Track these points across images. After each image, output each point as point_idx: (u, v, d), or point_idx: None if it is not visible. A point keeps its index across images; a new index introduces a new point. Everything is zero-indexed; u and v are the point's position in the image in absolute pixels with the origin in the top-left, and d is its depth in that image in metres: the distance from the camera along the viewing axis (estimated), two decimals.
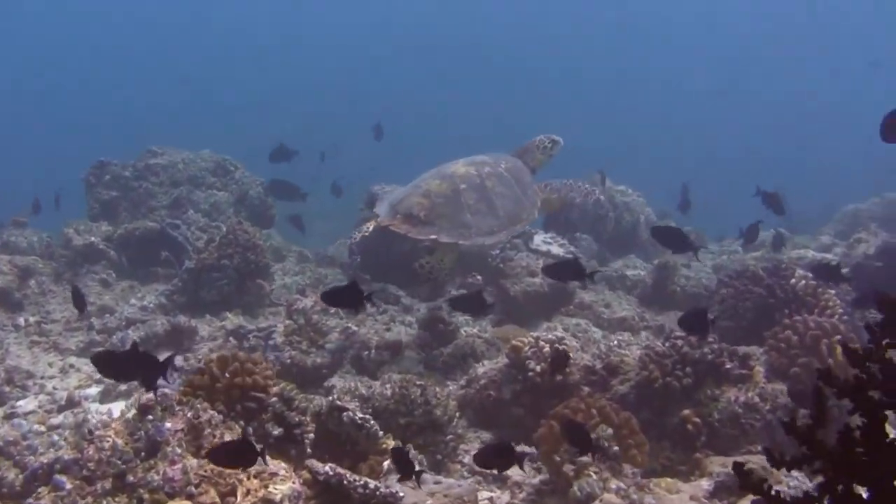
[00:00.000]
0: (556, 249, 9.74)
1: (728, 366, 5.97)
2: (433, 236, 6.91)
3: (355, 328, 8.42)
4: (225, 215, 11.80)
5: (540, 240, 9.81)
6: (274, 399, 5.25)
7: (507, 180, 7.35)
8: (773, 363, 6.21)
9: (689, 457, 5.66)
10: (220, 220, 11.45)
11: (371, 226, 7.77)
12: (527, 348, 6.40)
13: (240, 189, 12.59)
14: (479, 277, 10.15)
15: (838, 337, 6.07)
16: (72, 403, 7.12)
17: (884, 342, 2.11)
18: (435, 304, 8.81)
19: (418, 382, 6.04)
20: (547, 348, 6.32)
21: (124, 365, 4.40)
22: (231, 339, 8.28)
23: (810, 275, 7.43)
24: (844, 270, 7.15)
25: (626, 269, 11.03)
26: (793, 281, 7.34)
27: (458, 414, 6.19)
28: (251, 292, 9.49)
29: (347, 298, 5.68)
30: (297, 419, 5.24)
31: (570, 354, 6.27)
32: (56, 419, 6.76)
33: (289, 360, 7.37)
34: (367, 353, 7.81)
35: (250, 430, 5.03)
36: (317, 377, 7.52)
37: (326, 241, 13.37)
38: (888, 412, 2.01)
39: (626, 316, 8.91)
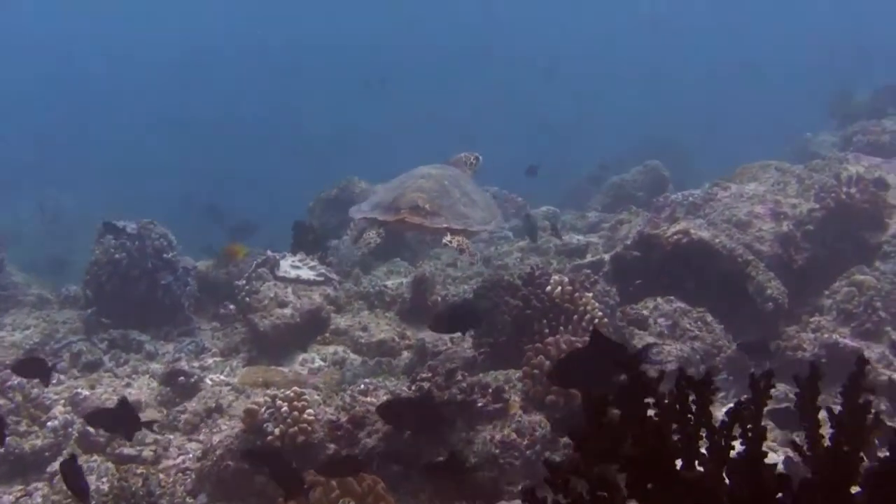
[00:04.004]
0: (307, 274, 9.26)
1: (480, 403, 5.75)
2: (445, 225, 6.89)
3: (86, 392, 7.71)
4: None
5: (287, 265, 9.30)
6: None
7: (470, 183, 7.69)
8: (529, 392, 6.02)
9: None
10: None
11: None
12: (263, 410, 5.93)
13: None
14: (231, 307, 9.63)
15: None
16: None
17: None
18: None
19: (138, 471, 5.47)
20: (285, 407, 5.86)
21: None
22: None
23: (566, 279, 7.34)
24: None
25: (389, 276, 10.77)
26: (549, 288, 7.21)
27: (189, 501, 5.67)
28: None
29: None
30: None
31: (311, 410, 5.87)
32: None
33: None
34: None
35: None
36: (39, 462, 6.75)
37: None
38: None
39: (384, 338, 8.62)
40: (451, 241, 6.99)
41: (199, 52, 54.94)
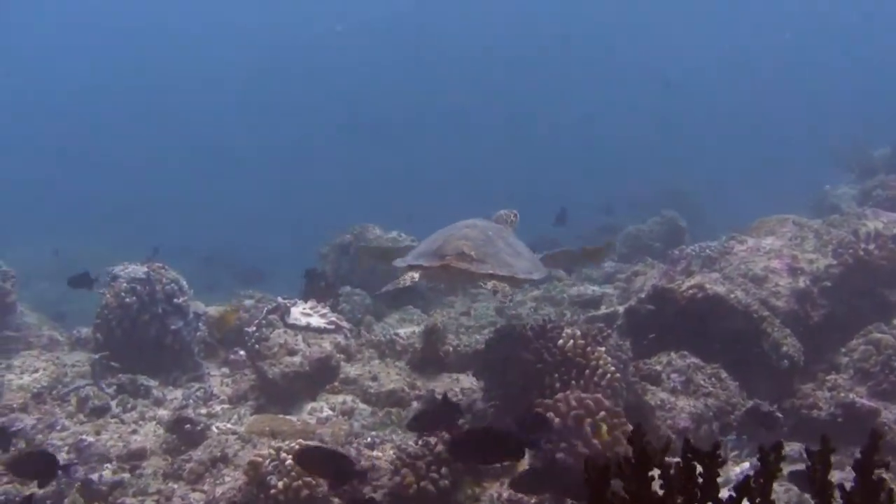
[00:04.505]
0: (317, 321, 9.21)
1: None
2: (491, 271, 6.83)
3: (91, 438, 7.68)
4: None
5: (298, 312, 9.25)
6: None
7: (512, 235, 7.72)
8: None
9: None
10: None
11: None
12: (267, 463, 5.87)
13: None
14: (241, 353, 9.60)
15: (602, 414, 5.87)
16: None
17: None
18: None
19: None
20: (290, 460, 5.80)
21: None
22: None
23: (578, 332, 7.27)
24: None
25: (401, 324, 10.75)
26: (560, 342, 7.13)
27: None
28: None
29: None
30: None
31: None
32: None
33: None
34: (99, 474, 7.03)
35: None
36: None
37: None
38: None
39: (394, 388, 8.54)
40: (487, 284, 7.03)
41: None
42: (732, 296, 8.16)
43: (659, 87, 46.04)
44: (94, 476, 7.00)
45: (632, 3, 55.57)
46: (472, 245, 6.97)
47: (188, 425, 7.75)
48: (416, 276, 7.10)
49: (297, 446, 5.91)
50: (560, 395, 6.14)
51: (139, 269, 9.69)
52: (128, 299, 9.44)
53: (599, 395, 6.15)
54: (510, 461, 5.74)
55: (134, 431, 8.12)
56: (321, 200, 36.51)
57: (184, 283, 9.96)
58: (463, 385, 8.59)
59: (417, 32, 57.21)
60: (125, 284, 9.51)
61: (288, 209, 37.02)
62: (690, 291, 8.16)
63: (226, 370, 9.87)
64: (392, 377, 8.79)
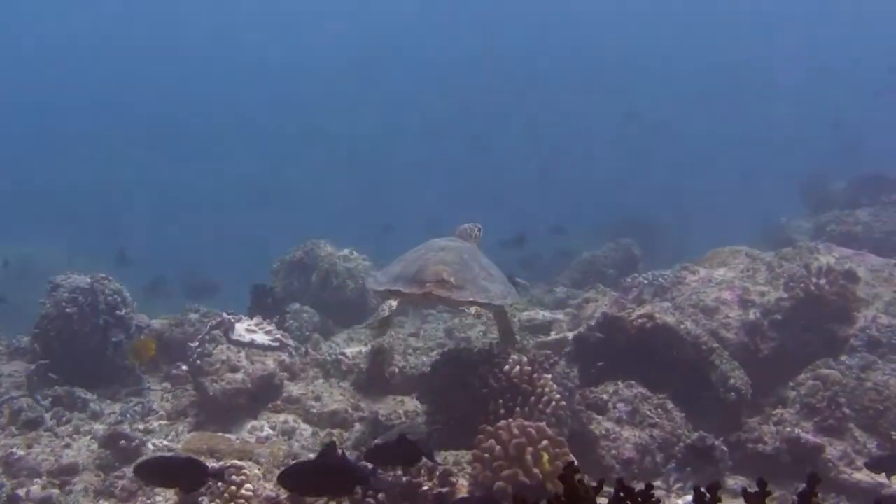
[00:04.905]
0: (262, 338, 9.06)
1: (426, 487, 5.56)
2: (471, 298, 6.88)
3: (21, 452, 7.48)
4: None
5: (243, 328, 9.09)
6: None
7: (482, 256, 7.71)
8: (478, 476, 5.83)
9: None
10: None
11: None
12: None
13: None
14: (184, 368, 9.42)
15: (545, 443, 5.79)
16: None
17: None
18: None
19: None
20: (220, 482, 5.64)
21: None
22: None
23: (525, 359, 7.20)
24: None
25: (349, 343, 10.66)
26: (507, 367, 7.06)
27: None
28: None
29: None
30: None
31: (250, 486, 5.66)
32: None
33: None
34: (27, 490, 6.84)
35: None
36: None
37: None
38: None
39: (337, 409, 8.41)
40: (469, 309, 7.18)
41: None
42: (682, 326, 8.14)
43: (623, 115, 46.30)
44: (21, 492, 6.81)
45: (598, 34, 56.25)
46: (451, 271, 6.96)
47: (123, 441, 7.58)
48: (395, 304, 7.13)
49: (231, 466, 5.78)
50: (502, 423, 6.05)
51: (82, 279, 9.50)
52: (69, 310, 9.23)
53: (542, 424, 6.08)
54: (337, 496, 5.51)
55: (67, 446, 7.94)
56: (293, 215, 36.19)
57: (127, 294, 9.78)
58: (407, 408, 8.49)
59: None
60: (66, 294, 9.30)
61: (259, 222, 36.67)
62: (640, 321, 8.13)
63: (167, 385, 9.68)
64: (335, 397, 8.66)
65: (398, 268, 7.40)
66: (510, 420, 6.12)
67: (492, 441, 5.88)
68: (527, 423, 6.03)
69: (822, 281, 8.96)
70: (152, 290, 13.57)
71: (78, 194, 40.69)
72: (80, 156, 48.82)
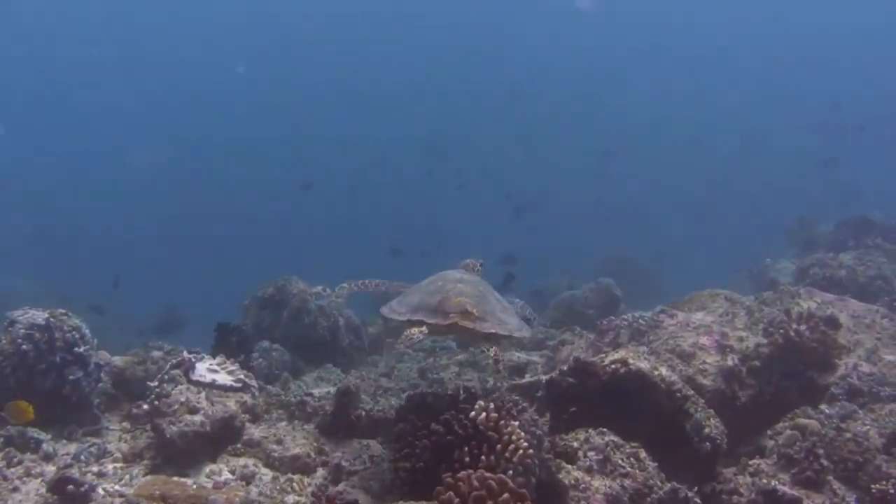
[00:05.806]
0: (224, 379, 8.79)
1: None
2: (493, 330, 7.07)
3: None
4: None
5: (204, 368, 8.83)
6: None
7: (493, 290, 7.86)
8: None
9: None
10: None
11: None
12: None
13: None
14: (145, 407, 9.15)
15: (505, 496, 5.57)
16: None
17: None
18: None
19: None
20: None
21: None
22: None
23: (492, 405, 6.98)
24: None
25: (318, 383, 10.45)
26: (472, 413, 6.84)
27: None
28: None
29: None
30: None
31: None
32: None
33: None
34: None
35: None
36: None
37: None
38: None
39: (299, 453, 8.15)
40: (490, 350, 7.24)
41: None
42: (656, 372, 7.92)
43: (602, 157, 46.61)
44: None
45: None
46: (473, 303, 7.12)
47: (71, 486, 7.28)
48: (426, 330, 7.17)
49: None
50: (462, 474, 5.83)
51: (39, 315, 9.23)
52: (24, 346, 8.97)
53: (503, 476, 5.85)
54: None
55: (15, 489, 7.63)
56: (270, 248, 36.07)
57: (86, 331, 9.51)
58: (373, 452, 8.24)
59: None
60: (23, 331, 9.05)
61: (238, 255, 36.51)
62: (613, 366, 7.91)
63: (126, 425, 9.40)
64: (298, 441, 8.41)
65: (416, 298, 7.51)
66: (470, 471, 5.90)
67: (450, 493, 5.67)
68: (487, 474, 5.81)
69: (803, 327, 8.82)
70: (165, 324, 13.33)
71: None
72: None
